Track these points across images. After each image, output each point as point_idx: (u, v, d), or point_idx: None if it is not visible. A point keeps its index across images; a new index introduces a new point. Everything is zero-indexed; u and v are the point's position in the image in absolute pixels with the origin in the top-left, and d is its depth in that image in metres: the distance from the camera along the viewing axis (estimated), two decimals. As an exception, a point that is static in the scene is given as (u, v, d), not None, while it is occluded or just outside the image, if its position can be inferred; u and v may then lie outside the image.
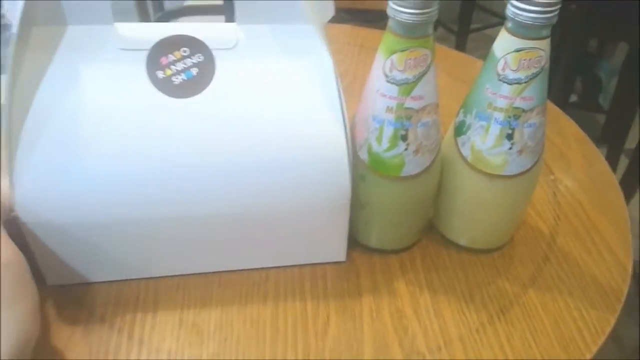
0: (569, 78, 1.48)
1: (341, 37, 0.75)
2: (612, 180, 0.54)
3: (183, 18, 1.21)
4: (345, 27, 0.77)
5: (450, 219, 0.46)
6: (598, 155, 0.58)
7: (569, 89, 1.56)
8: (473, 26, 2.12)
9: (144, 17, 1.48)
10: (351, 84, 0.66)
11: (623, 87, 1.55)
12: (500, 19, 2.22)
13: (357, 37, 0.75)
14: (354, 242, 0.46)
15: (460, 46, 2.13)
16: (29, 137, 0.36)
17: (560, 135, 0.61)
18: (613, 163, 1.51)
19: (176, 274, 0.43)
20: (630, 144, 1.49)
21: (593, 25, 1.36)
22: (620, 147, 1.52)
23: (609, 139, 1.57)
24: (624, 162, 1.49)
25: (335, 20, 0.42)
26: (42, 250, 0.38)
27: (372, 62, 0.38)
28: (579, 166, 0.57)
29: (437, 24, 2.17)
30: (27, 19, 0.35)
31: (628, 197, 1.37)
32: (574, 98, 1.71)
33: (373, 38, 0.76)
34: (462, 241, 0.46)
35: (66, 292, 0.41)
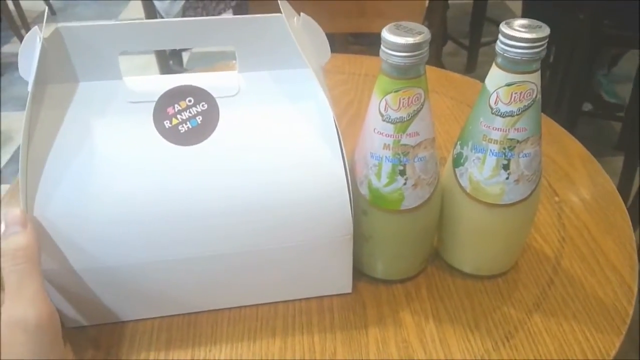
0: (581, 88, 1.48)
1: (346, 66, 0.77)
2: (617, 200, 0.55)
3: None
4: (350, 57, 0.78)
5: (453, 247, 0.47)
6: (603, 175, 0.59)
7: (581, 98, 1.56)
8: (484, 40, 2.12)
9: (165, 71, 1.52)
10: (356, 113, 0.67)
11: (638, 93, 1.54)
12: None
13: (361, 66, 0.77)
14: (360, 273, 0.47)
15: (472, 60, 2.14)
16: (44, 189, 0.37)
17: (564, 156, 0.61)
18: (630, 171, 1.50)
19: (187, 312, 0.44)
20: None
21: (602, 34, 1.36)
22: (637, 155, 1.51)
23: (626, 147, 1.56)
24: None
25: (340, 43, 0.43)
26: (58, 294, 0.40)
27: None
28: (583, 186, 0.57)
29: (448, 38, 2.18)
30: (40, 78, 0.37)
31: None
32: (587, 107, 1.70)
33: (378, 67, 0.77)
34: (466, 269, 0.47)
35: (83, 334, 0.43)
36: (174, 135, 0.39)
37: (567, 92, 1.46)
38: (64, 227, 0.38)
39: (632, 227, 0.51)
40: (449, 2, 1.94)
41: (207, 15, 1.52)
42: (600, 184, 0.57)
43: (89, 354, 0.42)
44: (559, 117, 1.40)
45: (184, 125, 0.39)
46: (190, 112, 0.40)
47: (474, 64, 2.16)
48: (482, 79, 0.75)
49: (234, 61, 0.42)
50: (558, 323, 0.43)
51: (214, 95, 0.40)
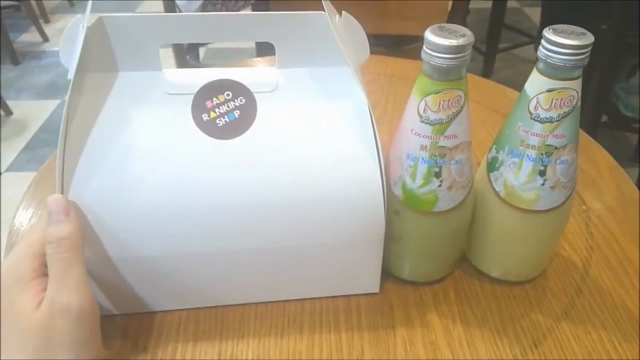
0: (601, 99, 1.47)
1: (372, 67, 0.77)
2: (645, 210, 0.55)
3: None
4: (376, 57, 0.78)
5: (483, 251, 0.47)
6: (630, 184, 0.58)
7: (600, 110, 1.55)
8: (501, 46, 2.12)
9: (181, 65, 1.53)
10: (382, 114, 0.67)
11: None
12: (528, 37, 2.23)
13: (387, 67, 0.77)
14: (387, 274, 0.47)
15: (489, 66, 2.13)
16: (80, 177, 0.38)
17: (591, 164, 0.61)
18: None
19: (215, 305, 0.44)
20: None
21: (626, 44, 1.35)
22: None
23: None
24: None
25: None
26: (90, 282, 0.40)
27: (403, 92, 0.39)
28: (611, 195, 0.57)
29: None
30: (82, 66, 0.37)
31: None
32: (604, 118, 1.70)
33: (403, 68, 0.77)
34: (494, 273, 0.47)
35: (111, 323, 0.43)
36: (211, 129, 0.39)
37: (587, 103, 1.46)
38: (98, 215, 0.38)
39: (660, 239, 0.51)
40: (471, 8, 1.93)
41: (227, 11, 1.53)
42: (627, 193, 0.57)
43: (118, 343, 0.42)
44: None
45: (221, 119, 0.39)
46: (228, 106, 0.40)
47: (491, 69, 2.15)
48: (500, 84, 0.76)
49: (255, 58, 0.42)
50: (586, 332, 0.43)
51: (252, 90, 0.40)
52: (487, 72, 2.14)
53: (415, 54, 1.32)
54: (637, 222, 0.53)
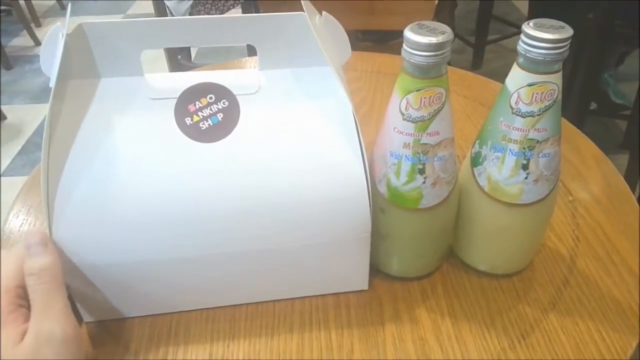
0: (588, 87, 1.48)
1: (358, 63, 0.77)
2: (631, 200, 0.55)
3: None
4: (362, 54, 0.79)
5: (469, 246, 0.47)
6: (616, 174, 0.59)
7: (588, 97, 1.56)
8: (490, 37, 2.12)
9: (173, 65, 1.52)
10: (370, 111, 0.67)
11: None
12: (516, 29, 2.23)
13: (374, 64, 0.77)
14: (375, 270, 0.47)
15: (478, 58, 2.13)
16: (66, 184, 0.38)
17: (577, 155, 0.61)
18: (635, 169, 1.50)
19: (205, 307, 0.44)
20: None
21: (610, 33, 1.36)
22: (642, 154, 1.51)
23: (631, 146, 1.56)
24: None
25: (350, 39, 0.43)
26: (78, 289, 0.40)
27: (390, 88, 0.39)
28: (597, 186, 0.57)
29: (454, 36, 2.18)
30: (63, 74, 0.37)
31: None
32: (593, 105, 1.70)
33: (389, 64, 0.77)
34: (482, 267, 0.47)
35: (102, 329, 0.43)
36: (195, 132, 0.39)
37: (574, 91, 1.46)
38: (84, 223, 0.38)
39: (646, 228, 0.52)
40: (458, 0, 1.93)
41: (216, 12, 1.52)
42: (613, 183, 0.57)
43: (109, 348, 0.42)
44: (566, 115, 1.40)
45: (205, 122, 0.39)
46: (211, 109, 0.40)
47: (480, 61, 2.16)
48: (488, 76, 0.76)
49: (245, 58, 0.42)
50: (574, 322, 0.43)
51: (235, 92, 0.40)
52: (476, 64, 2.14)
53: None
54: (623, 212, 0.54)
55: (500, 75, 0.76)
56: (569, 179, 0.58)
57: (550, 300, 0.45)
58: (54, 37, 0.38)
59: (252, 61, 0.82)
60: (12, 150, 1.95)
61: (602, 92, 1.67)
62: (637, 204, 0.54)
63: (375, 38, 1.27)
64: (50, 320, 0.34)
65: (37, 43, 2.66)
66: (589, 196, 0.56)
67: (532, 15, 2.13)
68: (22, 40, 2.70)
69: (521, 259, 0.47)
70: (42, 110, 2.17)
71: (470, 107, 0.69)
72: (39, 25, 2.84)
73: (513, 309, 0.45)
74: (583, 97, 1.50)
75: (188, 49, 1.80)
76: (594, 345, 0.42)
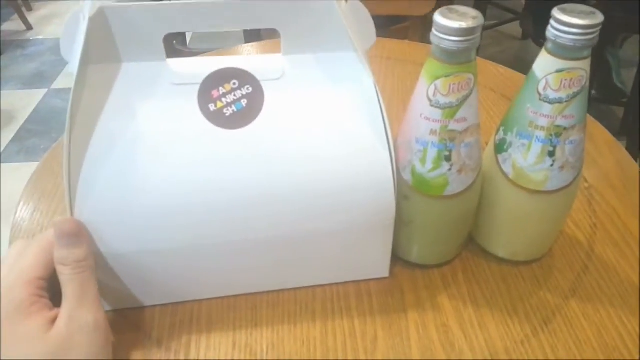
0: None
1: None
2: (645, 186, 0.55)
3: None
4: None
5: (490, 232, 0.47)
6: (629, 160, 0.59)
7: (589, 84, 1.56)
8: (487, 23, 2.11)
9: (169, 50, 1.50)
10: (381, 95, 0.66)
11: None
12: (513, 14, 2.23)
13: (384, 50, 0.76)
14: (396, 257, 0.47)
15: (475, 43, 2.12)
16: (88, 172, 0.37)
17: (591, 142, 0.61)
18: (632, 155, 1.51)
19: (227, 294, 0.44)
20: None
21: (610, 19, 1.36)
22: (639, 140, 1.52)
23: (628, 132, 1.57)
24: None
25: None
26: (100, 277, 0.40)
27: (400, 74, 0.39)
28: (611, 172, 0.57)
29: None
30: (84, 59, 0.37)
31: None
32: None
33: (399, 49, 0.76)
34: (502, 254, 0.47)
35: (124, 317, 0.43)
36: (219, 119, 0.39)
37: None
38: (106, 211, 0.37)
39: (662, 214, 0.52)
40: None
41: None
42: (627, 169, 0.58)
43: (130, 336, 0.42)
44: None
45: (229, 108, 0.39)
46: (235, 95, 0.39)
47: (477, 47, 2.15)
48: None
49: (243, 44, 0.41)
50: (595, 308, 0.44)
51: (259, 78, 0.40)
52: (474, 50, 2.13)
53: (405, 34, 1.30)
54: (638, 198, 0.54)
55: (498, 61, 0.76)
56: (584, 166, 0.57)
57: (570, 287, 0.45)
58: (75, 21, 0.37)
59: (254, 47, 0.81)
60: (5, 137, 1.93)
61: (604, 75, 1.67)
62: (652, 190, 0.55)
63: (377, 23, 1.25)
64: (84, 309, 0.35)
65: (29, 27, 2.62)
66: (604, 182, 0.56)
67: (529, 2, 2.13)
68: (13, 25, 2.66)
69: (542, 246, 0.47)
70: (34, 96, 2.14)
71: (482, 93, 0.69)
72: (30, 9, 2.79)
73: (534, 296, 0.45)
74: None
75: (184, 35, 1.78)
76: (615, 330, 0.42)
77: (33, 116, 2.04)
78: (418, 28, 1.19)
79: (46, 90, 2.16)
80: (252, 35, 1.32)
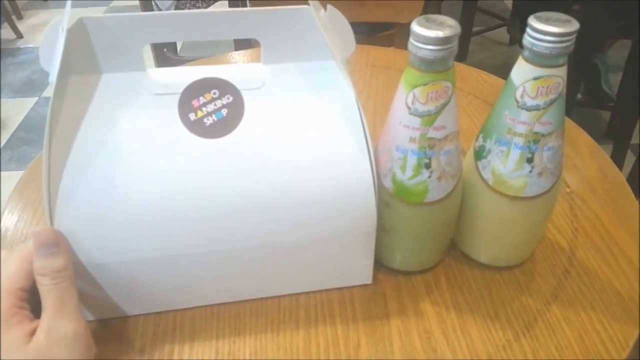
0: (575, 78, 1.49)
1: (353, 57, 0.76)
2: (627, 191, 0.56)
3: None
4: (357, 47, 0.78)
5: (472, 239, 0.47)
6: (611, 165, 0.59)
7: (575, 88, 1.57)
8: (474, 29, 2.13)
9: (159, 58, 1.50)
10: (365, 104, 0.67)
11: (628, 83, 1.56)
12: (501, 20, 2.24)
13: (368, 57, 0.77)
14: (379, 264, 0.47)
15: (463, 49, 2.14)
16: (68, 182, 0.37)
17: (572, 146, 0.62)
18: (619, 159, 1.52)
19: (210, 303, 0.44)
20: (636, 139, 1.49)
21: (596, 25, 1.37)
22: (626, 143, 1.53)
23: (615, 136, 1.58)
24: (630, 159, 1.50)
25: None
26: (82, 287, 0.40)
27: (385, 81, 0.39)
28: (593, 178, 0.58)
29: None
30: (63, 69, 0.37)
31: (636, 194, 1.38)
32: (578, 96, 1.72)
33: (383, 57, 0.77)
34: (484, 259, 0.47)
35: (107, 327, 0.43)
36: (199, 128, 0.39)
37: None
38: (87, 220, 0.37)
39: (643, 218, 0.52)
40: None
41: (203, 4, 1.51)
42: (609, 175, 0.58)
43: (113, 347, 0.41)
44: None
45: (209, 117, 0.39)
46: (215, 105, 0.39)
47: (465, 52, 2.16)
48: (474, 67, 0.76)
49: (232, 52, 0.42)
50: (576, 313, 0.44)
51: (239, 87, 0.40)
52: (461, 56, 2.15)
53: (391, 41, 1.31)
54: (620, 203, 0.54)
55: (485, 67, 0.77)
56: (565, 170, 0.58)
57: (552, 292, 0.46)
58: (54, 32, 0.37)
59: (244, 55, 0.82)
60: (-3, 145, 1.92)
61: (592, 79, 1.68)
62: (633, 195, 0.55)
63: (364, 30, 1.26)
64: (63, 319, 0.35)
65: (19, 36, 2.61)
66: (586, 187, 0.56)
67: (516, 7, 2.14)
68: (3, 33, 2.64)
69: (523, 252, 0.47)
70: (25, 105, 2.13)
71: (465, 100, 0.69)
72: (20, 17, 2.78)
73: (516, 301, 0.45)
74: (570, 89, 1.51)
75: (174, 42, 1.78)
76: (597, 335, 0.42)
77: (24, 124, 2.03)
78: (404, 35, 1.19)
79: (37, 98, 2.16)
80: (242, 43, 1.32)
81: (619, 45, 1.91)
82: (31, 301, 0.36)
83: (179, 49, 2.20)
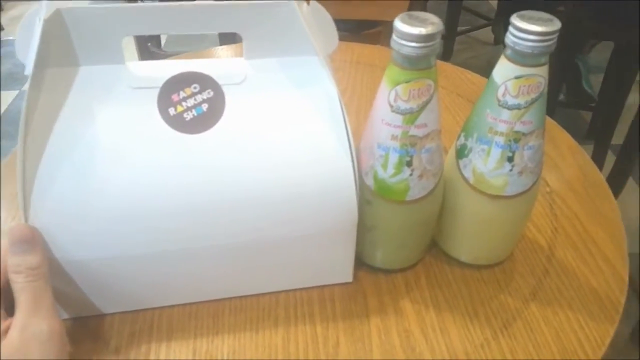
0: (558, 79, 1.51)
1: (337, 54, 0.76)
2: (606, 191, 0.56)
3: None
4: (341, 44, 0.78)
5: (452, 237, 0.47)
6: (591, 165, 0.60)
7: (558, 89, 1.59)
8: (460, 28, 2.14)
9: (143, 52, 1.48)
10: (349, 101, 0.67)
11: (609, 84, 1.58)
12: (486, 20, 2.26)
13: (352, 54, 0.76)
14: (360, 262, 0.47)
15: (448, 48, 2.15)
16: (43, 176, 0.36)
17: (553, 146, 0.62)
18: (600, 159, 1.54)
19: (188, 302, 0.44)
20: (616, 140, 1.51)
21: (580, 26, 1.38)
22: (606, 144, 1.55)
23: (596, 136, 1.60)
24: (610, 159, 1.52)
25: None
26: (57, 284, 0.39)
27: (369, 78, 0.39)
28: (573, 177, 0.58)
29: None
30: (40, 61, 0.36)
31: (615, 194, 1.39)
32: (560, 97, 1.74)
33: (368, 54, 0.77)
34: (464, 258, 0.48)
35: (82, 325, 0.42)
36: (178, 123, 0.38)
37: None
38: (62, 216, 0.37)
39: (621, 218, 0.53)
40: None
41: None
42: (589, 174, 0.59)
43: (88, 346, 0.41)
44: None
45: (189, 112, 0.38)
46: (195, 100, 0.39)
47: (450, 52, 2.17)
48: (458, 67, 0.76)
49: (217, 47, 0.41)
50: (554, 312, 0.44)
51: (220, 82, 0.39)
52: (446, 55, 2.16)
53: (377, 39, 1.31)
54: (599, 203, 0.55)
55: (470, 66, 0.77)
56: (546, 170, 0.59)
57: (530, 291, 0.46)
58: (30, 23, 0.37)
59: (228, 49, 0.81)
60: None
61: (574, 80, 1.70)
62: (611, 195, 0.56)
63: (349, 27, 1.26)
64: (38, 318, 0.34)
65: (0, 28, 2.57)
66: (566, 187, 0.57)
67: (501, 8, 2.16)
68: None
69: (503, 250, 0.47)
70: (6, 98, 2.09)
71: (449, 98, 0.69)
72: (0, 9, 2.73)
73: (495, 300, 0.45)
74: (553, 90, 1.53)
75: (158, 36, 1.77)
76: (574, 334, 0.43)
77: (5, 117, 2.00)
78: (390, 33, 1.19)
79: (17, 91, 2.12)
80: (227, 38, 1.31)
81: (601, 46, 1.93)
82: (5, 299, 0.35)
83: (163, 43, 2.18)
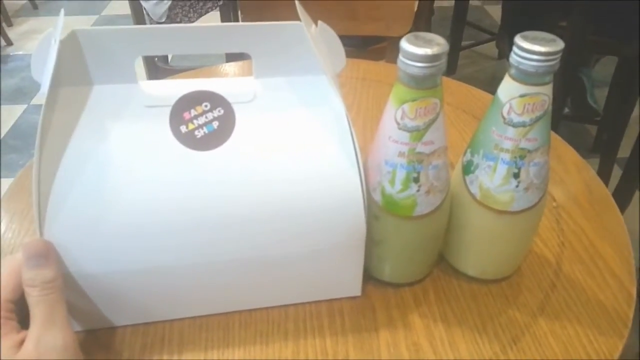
0: (563, 93, 1.51)
1: (344, 70, 0.77)
2: (612, 206, 0.56)
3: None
4: (347, 61, 0.79)
5: (460, 252, 0.48)
6: (597, 181, 0.60)
7: (562, 103, 1.59)
8: (463, 43, 2.15)
9: (150, 67, 1.50)
10: (355, 117, 0.68)
11: (614, 97, 1.59)
12: (489, 35, 2.27)
13: (358, 70, 0.77)
14: (368, 276, 0.47)
15: (452, 63, 2.16)
16: (58, 192, 0.37)
17: (559, 162, 0.63)
18: (606, 173, 1.54)
19: (199, 314, 0.44)
20: (622, 153, 1.51)
21: (584, 40, 1.39)
22: (612, 157, 1.55)
23: (601, 149, 1.60)
24: (617, 172, 1.52)
25: None
26: (70, 297, 0.40)
27: (375, 94, 0.40)
28: (579, 192, 0.59)
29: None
30: (55, 81, 0.37)
31: (622, 208, 1.39)
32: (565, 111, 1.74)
33: (374, 70, 0.78)
34: (472, 272, 0.48)
35: (94, 337, 0.43)
36: (190, 140, 0.39)
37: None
38: (76, 231, 0.37)
39: (627, 233, 0.53)
40: (435, 7, 1.96)
41: (194, 14, 1.51)
42: (595, 190, 0.59)
43: (101, 357, 0.41)
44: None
45: (200, 130, 0.39)
46: (206, 117, 0.40)
47: (454, 66, 2.19)
48: (462, 81, 0.77)
49: (224, 64, 0.42)
50: (562, 326, 0.44)
51: (230, 100, 0.40)
52: (450, 70, 2.17)
53: (382, 54, 1.32)
54: (605, 218, 0.55)
55: (474, 80, 0.79)
56: (552, 185, 0.59)
57: (538, 305, 0.46)
58: (46, 43, 0.38)
59: (234, 66, 0.82)
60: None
61: (578, 94, 1.70)
62: (618, 210, 0.56)
63: (355, 43, 1.27)
64: (53, 331, 0.34)
65: (9, 43, 2.60)
66: (572, 202, 0.57)
67: (505, 22, 2.17)
68: (-7, 42, 2.64)
69: (510, 265, 0.48)
70: (15, 112, 2.12)
71: (454, 114, 0.70)
72: (10, 25, 2.77)
73: (503, 314, 0.45)
74: (557, 104, 1.53)
75: (166, 59, 1.79)
76: (582, 348, 0.43)
77: (13, 131, 2.02)
78: (395, 49, 1.20)
79: (26, 105, 2.15)
80: (233, 55, 1.33)
81: (606, 60, 1.94)
82: (19, 312, 0.36)
83: (170, 58, 2.20)
